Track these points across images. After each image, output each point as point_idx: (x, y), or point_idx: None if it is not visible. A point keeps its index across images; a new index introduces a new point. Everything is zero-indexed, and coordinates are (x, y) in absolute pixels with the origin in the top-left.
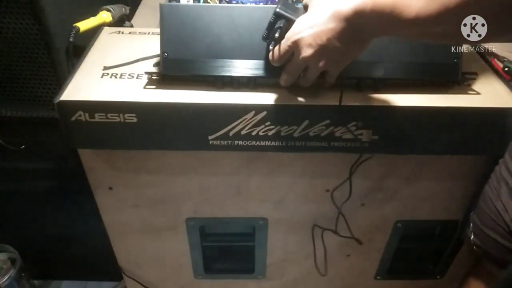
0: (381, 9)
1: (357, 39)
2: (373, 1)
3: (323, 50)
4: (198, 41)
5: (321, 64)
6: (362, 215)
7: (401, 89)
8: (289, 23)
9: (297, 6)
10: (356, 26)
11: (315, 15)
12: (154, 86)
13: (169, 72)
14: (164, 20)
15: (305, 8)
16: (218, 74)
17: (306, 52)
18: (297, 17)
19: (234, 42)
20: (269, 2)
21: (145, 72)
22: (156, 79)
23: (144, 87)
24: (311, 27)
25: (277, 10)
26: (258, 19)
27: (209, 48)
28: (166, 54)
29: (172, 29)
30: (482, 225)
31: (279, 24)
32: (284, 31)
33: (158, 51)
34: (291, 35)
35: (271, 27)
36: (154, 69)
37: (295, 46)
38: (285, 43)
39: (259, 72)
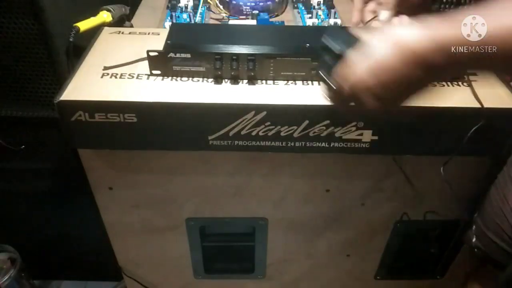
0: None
1: (431, 79)
2: (452, 30)
3: (386, 95)
4: (199, 38)
5: (379, 105)
6: (362, 215)
7: None
8: (339, 56)
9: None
10: (433, 64)
11: (378, 49)
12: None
13: (170, 50)
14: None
15: (359, 41)
16: (218, 51)
17: (367, 100)
18: (351, 48)
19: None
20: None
21: (147, 51)
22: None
23: (148, 76)
24: (372, 67)
25: (324, 40)
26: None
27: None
28: (169, 42)
29: (177, 31)
30: (486, 228)
31: (327, 58)
32: (332, 67)
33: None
34: (347, 74)
35: (321, 60)
36: (154, 70)
37: (353, 89)
38: (340, 83)
39: (260, 51)
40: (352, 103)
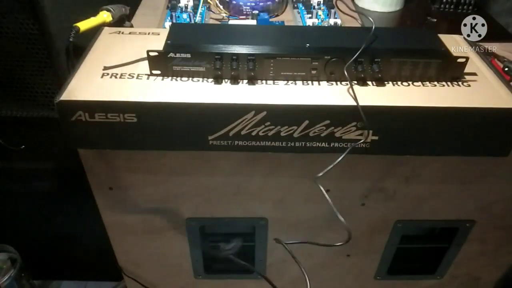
0: None
1: None
2: None
3: None
4: (199, 38)
5: None
6: (362, 215)
7: (401, 89)
8: None
9: None
10: None
11: None
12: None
13: (170, 50)
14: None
15: None
16: (218, 51)
17: None
18: None
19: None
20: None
21: (147, 51)
22: (156, 73)
23: (148, 76)
24: None
25: None
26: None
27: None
28: (169, 42)
29: (177, 31)
30: None
31: None
32: None
33: None
34: None
35: None
36: (154, 70)
37: None
38: None
39: (260, 51)
40: None
